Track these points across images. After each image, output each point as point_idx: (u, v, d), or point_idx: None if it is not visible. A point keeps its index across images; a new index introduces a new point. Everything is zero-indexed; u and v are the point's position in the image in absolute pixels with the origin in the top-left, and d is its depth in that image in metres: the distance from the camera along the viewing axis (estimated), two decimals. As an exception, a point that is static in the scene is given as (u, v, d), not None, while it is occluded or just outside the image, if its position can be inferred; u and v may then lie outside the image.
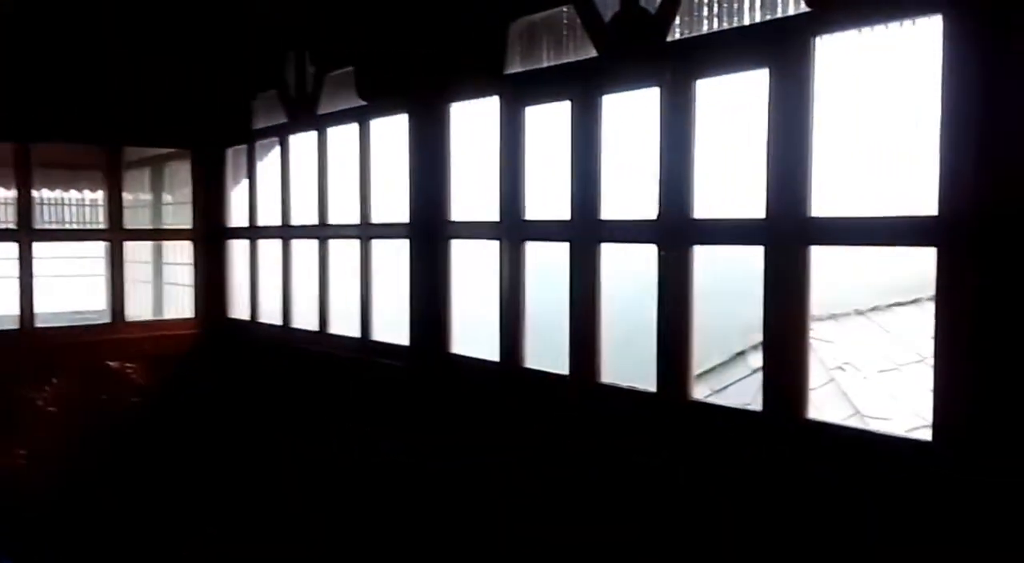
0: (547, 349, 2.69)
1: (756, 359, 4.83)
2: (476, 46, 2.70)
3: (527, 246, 2.62)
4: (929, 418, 1.60)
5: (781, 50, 1.84)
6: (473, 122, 2.90)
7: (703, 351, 2.84)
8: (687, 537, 2.08)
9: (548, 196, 2.56)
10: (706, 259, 2.14)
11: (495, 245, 2.68)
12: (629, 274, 2.57)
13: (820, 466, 1.77)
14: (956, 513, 1.51)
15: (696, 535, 2.05)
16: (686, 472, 2.08)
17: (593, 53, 2.34)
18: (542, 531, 2.48)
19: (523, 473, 2.54)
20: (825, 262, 1.93)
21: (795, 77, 1.81)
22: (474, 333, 2.97)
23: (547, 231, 2.53)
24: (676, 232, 2.10)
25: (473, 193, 2.96)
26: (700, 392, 2.56)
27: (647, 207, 2.19)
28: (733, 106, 2.46)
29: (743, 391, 4.41)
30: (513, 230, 2.61)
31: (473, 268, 3.00)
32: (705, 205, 2.09)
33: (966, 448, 1.52)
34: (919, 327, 5.04)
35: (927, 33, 1.55)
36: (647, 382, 2.25)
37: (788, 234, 1.84)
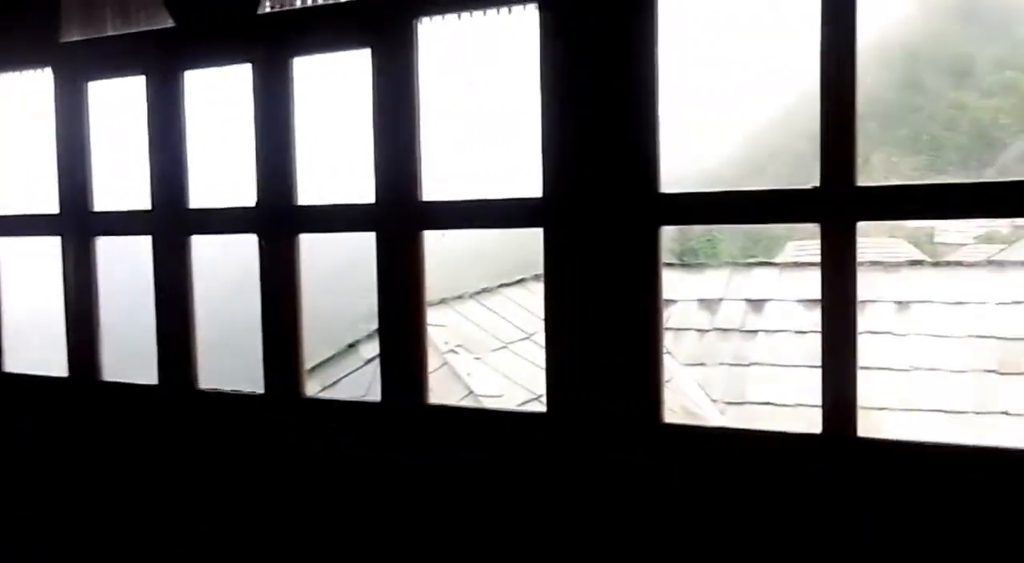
0: (134, 358, 2.42)
1: (369, 349, 4.87)
2: (23, 7, 2.32)
3: (99, 242, 2.32)
4: (538, 391, 1.71)
5: (382, 30, 1.82)
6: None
7: (312, 346, 2.75)
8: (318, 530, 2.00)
9: (134, 183, 2.29)
10: (314, 248, 2.06)
11: (57, 242, 2.34)
12: (230, 267, 2.41)
13: (446, 450, 1.80)
14: (565, 476, 1.63)
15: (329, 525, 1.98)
16: (305, 470, 1.99)
17: (170, 22, 2.13)
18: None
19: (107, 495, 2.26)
20: (436, 247, 1.96)
21: (398, 59, 1.80)
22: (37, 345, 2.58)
23: (123, 224, 2.26)
24: (278, 220, 1.99)
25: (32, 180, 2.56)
26: (311, 389, 2.49)
27: (248, 194, 2.06)
28: (341, 86, 2.41)
29: (356, 383, 4.42)
30: (78, 224, 2.29)
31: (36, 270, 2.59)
32: (313, 191, 2.02)
33: (578, 417, 1.64)
34: (525, 306, 5.49)
35: (526, 21, 1.63)
36: (256, 384, 2.12)
37: (399, 219, 1.83)
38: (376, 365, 1.96)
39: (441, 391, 4.56)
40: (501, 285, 5.80)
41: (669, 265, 6.64)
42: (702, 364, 5.83)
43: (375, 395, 1.95)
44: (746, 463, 1.54)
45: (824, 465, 1.50)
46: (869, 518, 1.44)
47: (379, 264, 1.86)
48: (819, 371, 1.49)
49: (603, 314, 1.60)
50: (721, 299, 6.17)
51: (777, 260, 8.18)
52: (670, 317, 6.05)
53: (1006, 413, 5.33)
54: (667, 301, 6.23)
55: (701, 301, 6.22)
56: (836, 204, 1.47)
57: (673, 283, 6.33)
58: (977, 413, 5.38)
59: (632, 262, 1.58)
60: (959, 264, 6.85)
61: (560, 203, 1.63)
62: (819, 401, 1.54)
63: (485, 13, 1.69)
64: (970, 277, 6.12)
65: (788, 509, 1.51)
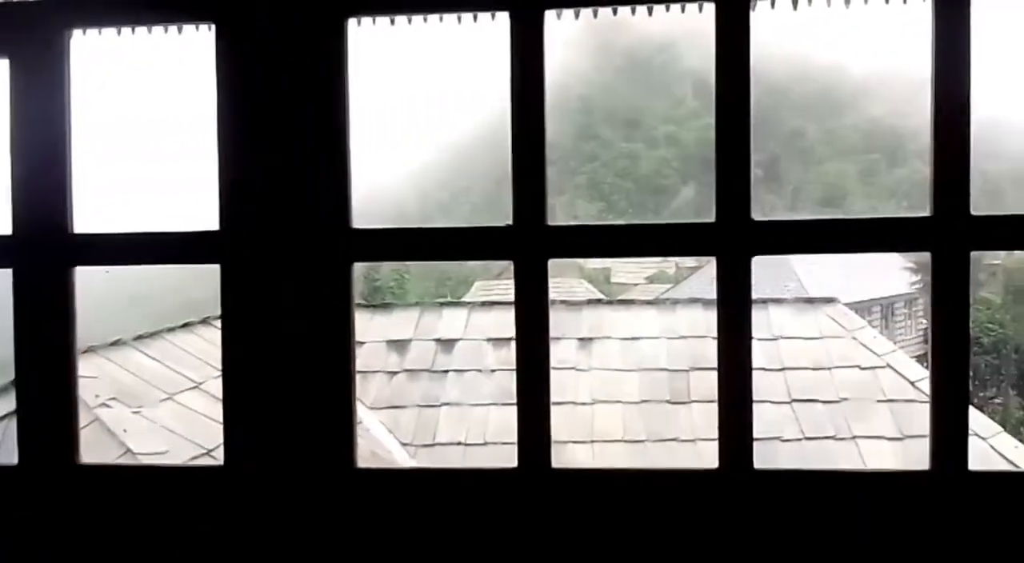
0: None
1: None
2: None
3: None
4: (210, 445, 1.60)
5: (24, 40, 1.63)
6: None
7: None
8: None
9: None
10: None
11: None
12: None
13: (102, 514, 1.61)
14: (248, 531, 1.54)
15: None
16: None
17: None
18: None
19: None
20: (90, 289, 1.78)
21: (45, 74, 1.62)
22: None
23: None
24: None
25: None
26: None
27: None
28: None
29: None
30: None
31: None
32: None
33: (262, 468, 1.55)
34: (194, 352, 5.15)
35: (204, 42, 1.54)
36: None
37: (46, 254, 1.63)
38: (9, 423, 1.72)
39: (92, 451, 4.15)
40: (165, 329, 5.44)
41: (357, 305, 6.62)
42: (392, 407, 5.86)
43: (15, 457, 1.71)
44: (445, 503, 1.55)
45: (521, 499, 1.54)
46: (568, 548, 1.50)
47: (17, 305, 1.64)
48: (508, 408, 1.54)
49: (290, 357, 1.54)
50: (411, 340, 6.26)
51: (466, 299, 8.49)
52: (358, 359, 6.03)
53: (676, 439, 5.91)
54: (356, 343, 6.21)
55: (390, 342, 6.27)
56: (530, 241, 1.53)
57: (361, 324, 6.34)
58: (653, 441, 5.91)
59: (322, 301, 1.53)
60: (632, 302, 7.55)
61: (240, 237, 1.54)
62: (508, 438, 1.58)
63: (150, 31, 1.58)
64: (642, 314, 6.74)
65: (490, 546, 1.53)
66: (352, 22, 1.63)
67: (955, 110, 1.42)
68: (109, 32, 1.61)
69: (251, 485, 1.57)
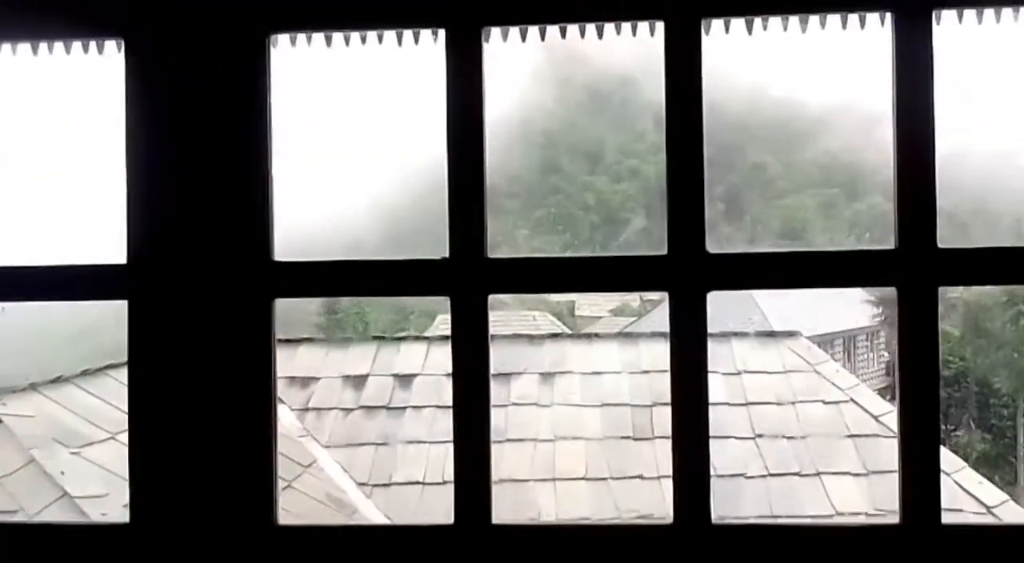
0: None
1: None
2: None
3: None
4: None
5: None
6: None
7: None
8: None
9: None
10: None
11: None
12: None
13: None
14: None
15: None
16: None
17: None
18: None
19: None
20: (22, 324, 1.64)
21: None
22: None
23: None
24: None
25: None
26: None
27: None
28: None
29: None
30: None
31: None
32: None
33: (172, 526, 1.41)
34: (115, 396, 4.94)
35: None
36: None
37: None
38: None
39: (25, 495, 3.95)
40: (109, 366, 5.23)
41: (311, 340, 6.48)
42: (348, 445, 5.68)
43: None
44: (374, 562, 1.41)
45: (459, 558, 1.41)
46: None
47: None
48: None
49: (204, 403, 1.40)
50: (368, 375, 6.11)
51: (427, 334, 8.36)
52: (312, 396, 5.86)
53: (641, 477, 5.78)
54: (310, 379, 6.05)
55: (346, 378, 6.10)
56: (466, 275, 1.42)
57: (317, 359, 6.17)
58: (616, 479, 5.78)
59: (240, 341, 1.40)
60: (596, 336, 7.45)
61: (150, 271, 1.41)
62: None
63: (51, 49, 1.45)
64: (605, 349, 6.65)
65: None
66: (288, 45, 1.52)
67: (919, 140, 1.34)
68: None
69: (160, 545, 1.43)
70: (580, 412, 6.04)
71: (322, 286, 1.46)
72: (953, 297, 20.28)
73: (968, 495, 5.57)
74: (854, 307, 20.01)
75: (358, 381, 6.06)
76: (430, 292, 1.51)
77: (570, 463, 5.85)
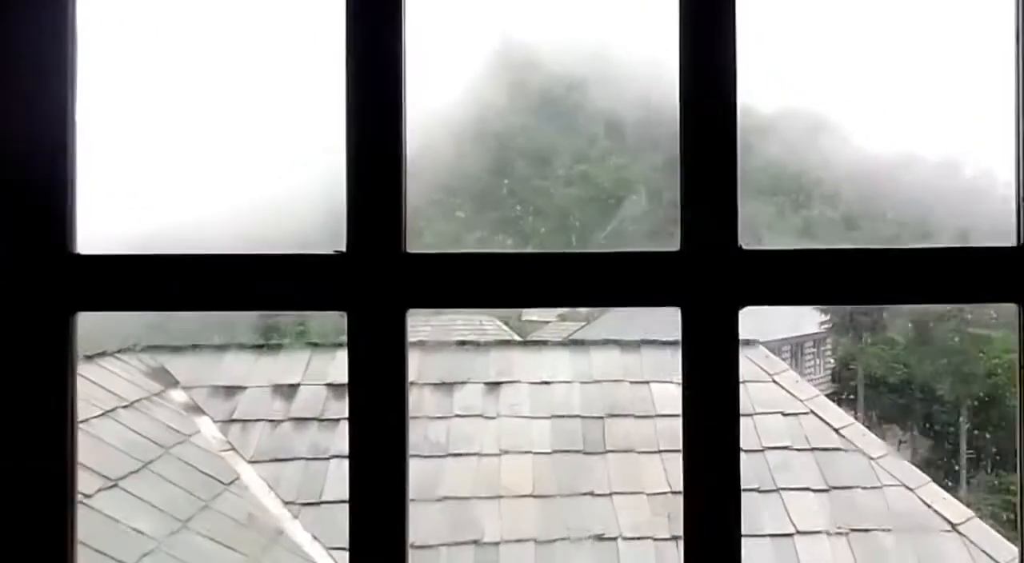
0: None
1: None
2: None
3: None
4: None
5: None
6: None
7: None
8: None
9: None
10: None
11: None
12: None
13: None
14: None
15: None
16: None
17: None
18: None
19: None
20: None
21: None
22: None
23: None
24: None
25: None
26: None
27: None
28: None
29: None
30: None
31: None
32: None
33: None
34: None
35: None
36: None
37: None
38: None
39: None
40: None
41: (242, 346, 5.99)
42: (274, 460, 5.20)
43: None
44: None
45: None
46: None
47: None
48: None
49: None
50: (299, 384, 5.63)
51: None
52: (237, 406, 5.38)
53: (592, 493, 5.40)
54: (235, 388, 5.55)
55: (276, 387, 5.62)
56: (372, 279, 1.00)
57: (245, 367, 5.69)
58: (566, 495, 5.40)
59: (34, 358, 0.95)
60: (545, 343, 7.06)
61: None
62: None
63: None
64: (555, 356, 6.26)
65: None
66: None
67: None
68: None
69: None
70: (528, 424, 5.64)
71: (133, 295, 1.01)
72: (900, 305, 20.35)
73: (933, 511, 5.30)
74: (802, 313, 19.99)
75: (288, 391, 5.59)
76: (316, 304, 1.09)
77: (516, 479, 5.45)
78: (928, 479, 5.56)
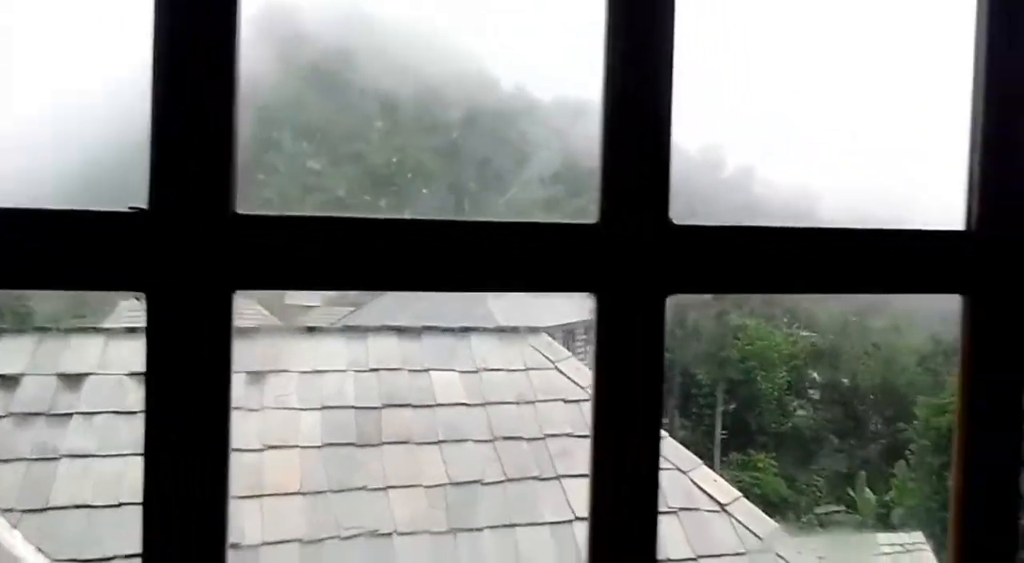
0: None
1: None
2: None
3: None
4: None
5: None
6: None
7: None
8: None
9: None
10: None
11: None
12: None
13: None
14: None
15: None
16: None
17: None
18: None
19: None
20: None
21: None
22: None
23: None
24: None
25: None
26: None
27: None
28: None
29: None
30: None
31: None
32: None
33: None
34: None
35: None
36: None
37: None
38: None
39: None
40: None
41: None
42: (-9, 462, 4.53)
43: None
44: None
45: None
46: None
47: None
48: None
49: None
50: (22, 375, 4.94)
51: (107, 325, 7.09)
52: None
53: (364, 488, 5.14)
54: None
55: (-8, 378, 4.91)
56: (188, 248, 0.72)
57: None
58: (337, 491, 5.09)
59: None
60: (316, 329, 6.67)
61: None
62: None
63: None
64: (326, 343, 5.92)
65: None
66: None
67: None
68: None
69: None
70: (296, 417, 5.27)
71: None
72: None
73: (705, 494, 5.48)
74: (573, 300, 20.64)
75: (9, 382, 4.88)
76: (112, 282, 0.78)
77: (281, 476, 5.07)
78: (700, 462, 5.74)
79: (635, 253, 0.88)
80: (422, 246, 0.84)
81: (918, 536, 11.09)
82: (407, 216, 0.86)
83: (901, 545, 11.81)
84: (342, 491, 5.11)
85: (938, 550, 12.53)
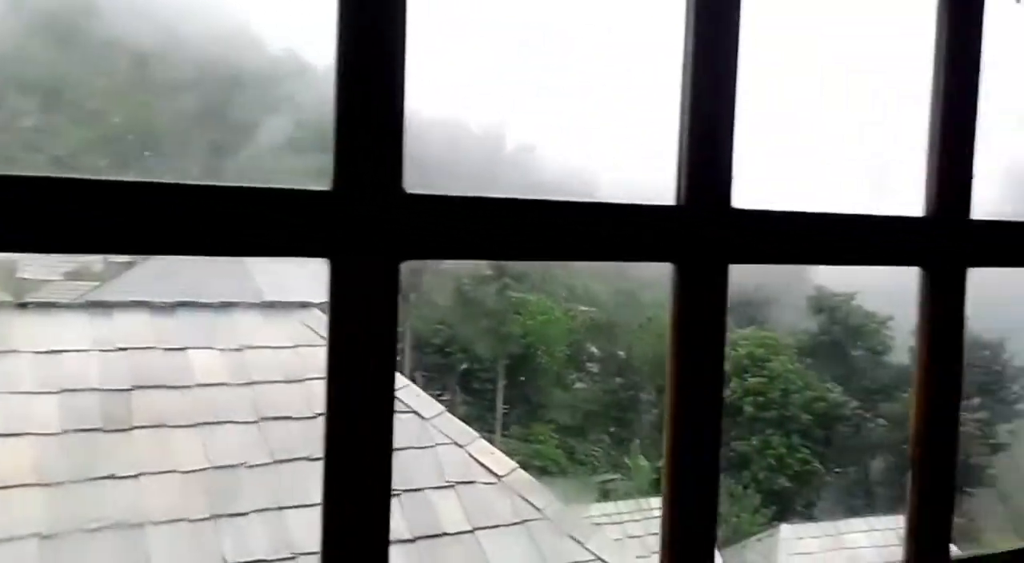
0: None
1: None
2: None
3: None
4: None
5: None
6: None
7: None
8: None
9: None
10: None
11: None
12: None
13: None
14: None
15: None
16: None
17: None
18: None
19: None
20: None
21: None
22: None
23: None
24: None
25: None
26: None
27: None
28: None
29: None
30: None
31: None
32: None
33: None
34: None
35: None
36: None
37: None
38: None
39: None
40: None
41: None
42: None
43: None
44: None
45: None
46: None
47: None
48: None
49: None
50: None
51: None
52: None
53: (112, 476, 4.95)
54: None
55: None
56: None
57: None
58: (80, 481, 4.88)
59: None
60: (53, 305, 6.30)
61: None
62: None
63: None
64: (67, 320, 5.61)
65: None
66: None
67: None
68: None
69: None
70: (29, 401, 4.99)
71: None
72: (444, 268, 21.80)
73: (482, 466, 5.69)
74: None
75: None
76: None
77: (12, 466, 4.80)
78: (477, 435, 5.95)
79: (368, 220, 0.96)
80: (147, 209, 0.89)
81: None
82: (135, 178, 0.89)
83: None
84: (86, 481, 4.90)
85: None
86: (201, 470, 4.85)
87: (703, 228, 1.23)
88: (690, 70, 1.23)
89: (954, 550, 1.54)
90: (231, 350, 5.39)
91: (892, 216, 1.35)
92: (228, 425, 5.13)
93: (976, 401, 24.84)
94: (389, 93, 0.98)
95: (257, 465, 5.10)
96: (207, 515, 4.66)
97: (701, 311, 1.25)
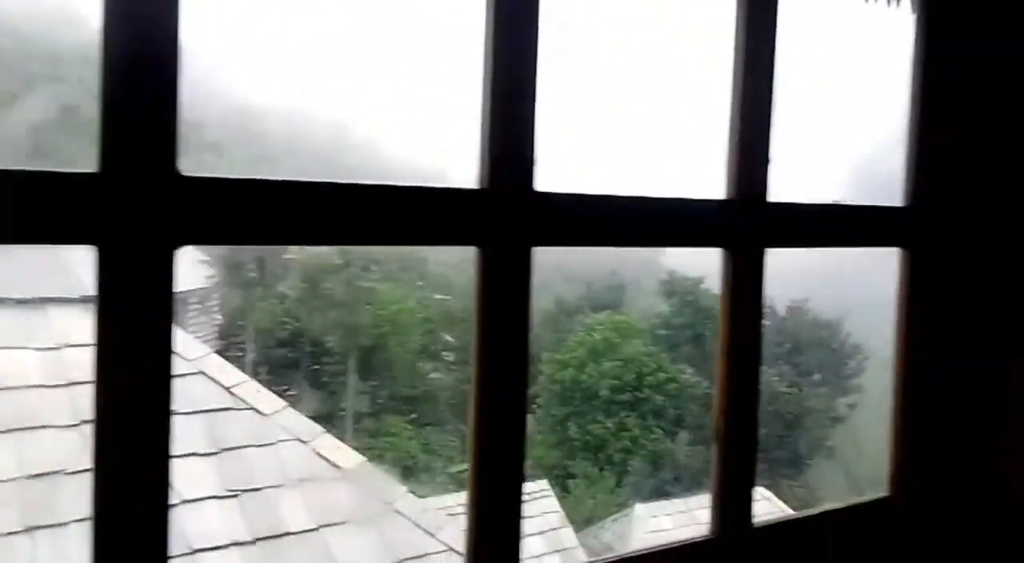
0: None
1: None
2: None
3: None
4: None
5: None
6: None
7: None
8: None
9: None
10: None
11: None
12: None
13: None
14: None
15: None
16: None
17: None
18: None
19: None
20: None
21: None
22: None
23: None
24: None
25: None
26: None
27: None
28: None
29: None
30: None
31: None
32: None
33: None
34: None
35: None
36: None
37: None
38: None
39: None
40: None
41: None
42: None
43: None
44: None
45: None
46: None
47: None
48: None
49: None
50: None
51: None
52: None
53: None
54: None
55: None
56: None
57: None
58: None
59: None
60: None
61: None
62: None
63: None
64: None
65: None
66: None
67: None
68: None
69: None
70: None
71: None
72: (289, 258, 21.35)
73: (327, 462, 5.63)
74: (187, 268, 19.78)
75: None
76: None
77: None
78: (322, 430, 5.87)
79: (138, 204, 0.92)
80: None
81: (543, 484, 12.13)
82: None
83: (528, 493, 12.84)
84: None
85: (561, 496, 13.83)
86: (12, 480, 4.59)
87: (505, 211, 1.25)
88: (490, 53, 1.24)
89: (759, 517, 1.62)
90: (48, 349, 5.12)
91: (693, 199, 1.41)
92: (47, 430, 4.88)
93: (816, 377, 26.19)
94: (161, 70, 0.95)
95: (77, 471, 4.87)
96: (21, 528, 4.43)
97: (506, 295, 1.26)
